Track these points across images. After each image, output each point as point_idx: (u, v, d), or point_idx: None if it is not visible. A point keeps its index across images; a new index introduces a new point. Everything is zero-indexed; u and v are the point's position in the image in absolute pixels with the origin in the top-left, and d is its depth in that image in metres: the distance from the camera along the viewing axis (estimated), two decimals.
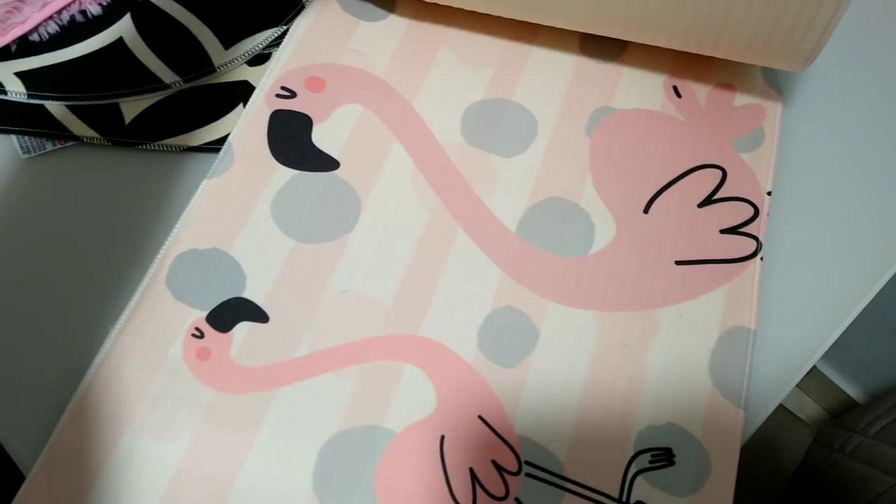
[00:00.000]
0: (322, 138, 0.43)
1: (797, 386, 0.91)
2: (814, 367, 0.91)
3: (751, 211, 0.44)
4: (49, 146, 0.42)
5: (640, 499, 0.36)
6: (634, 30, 0.43)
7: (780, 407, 0.88)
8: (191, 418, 0.35)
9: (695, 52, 0.45)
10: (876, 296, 0.50)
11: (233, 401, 0.36)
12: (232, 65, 0.44)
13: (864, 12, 0.53)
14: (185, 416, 0.35)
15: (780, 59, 0.42)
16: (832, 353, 0.91)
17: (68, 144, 0.42)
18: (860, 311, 0.45)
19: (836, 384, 0.92)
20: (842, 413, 0.89)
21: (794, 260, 0.45)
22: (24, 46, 0.43)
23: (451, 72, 0.47)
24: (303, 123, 0.44)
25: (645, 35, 0.43)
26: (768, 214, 0.45)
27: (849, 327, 0.84)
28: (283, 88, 0.44)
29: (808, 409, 0.91)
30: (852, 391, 0.92)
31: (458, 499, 0.35)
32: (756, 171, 0.45)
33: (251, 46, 0.45)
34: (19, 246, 0.39)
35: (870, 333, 0.86)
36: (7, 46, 0.42)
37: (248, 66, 0.45)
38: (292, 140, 0.43)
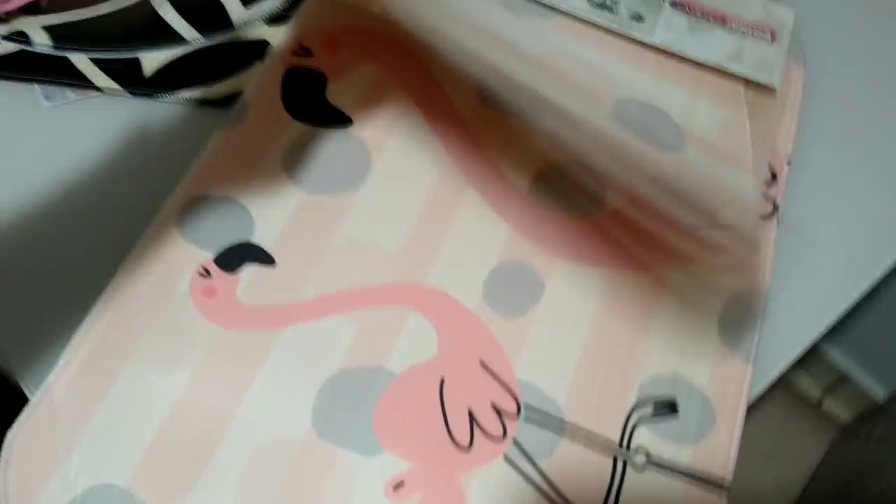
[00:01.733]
0: (336, 95, 0.44)
1: (821, 389, 0.89)
2: (840, 371, 0.88)
3: (769, 174, 0.44)
4: (71, 96, 0.43)
5: (641, 444, 0.36)
6: None
7: (803, 401, 0.86)
8: (194, 352, 0.36)
9: None
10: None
11: (236, 337, 0.36)
12: (251, 23, 0.45)
13: None
14: (188, 349, 0.36)
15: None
16: (858, 353, 0.89)
17: (90, 95, 0.43)
18: (879, 277, 0.44)
19: (863, 388, 0.90)
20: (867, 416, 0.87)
21: (811, 228, 0.44)
22: (54, 2, 0.44)
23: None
24: (317, 80, 0.44)
25: None
26: (787, 182, 0.44)
27: (873, 324, 0.82)
28: (300, 47, 0.45)
29: (833, 410, 0.89)
30: (880, 395, 0.89)
31: (456, 439, 0.35)
32: (776, 136, 0.45)
33: (271, 6, 0.46)
34: (41, 189, 0.41)
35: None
36: (38, 2, 0.44)
37: (266, 26, 0.46)
38: (306, 96, 0.44)
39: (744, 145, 0.44)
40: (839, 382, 0.88)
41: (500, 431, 0.35)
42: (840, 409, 0.87)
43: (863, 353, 0.86)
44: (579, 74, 0.44)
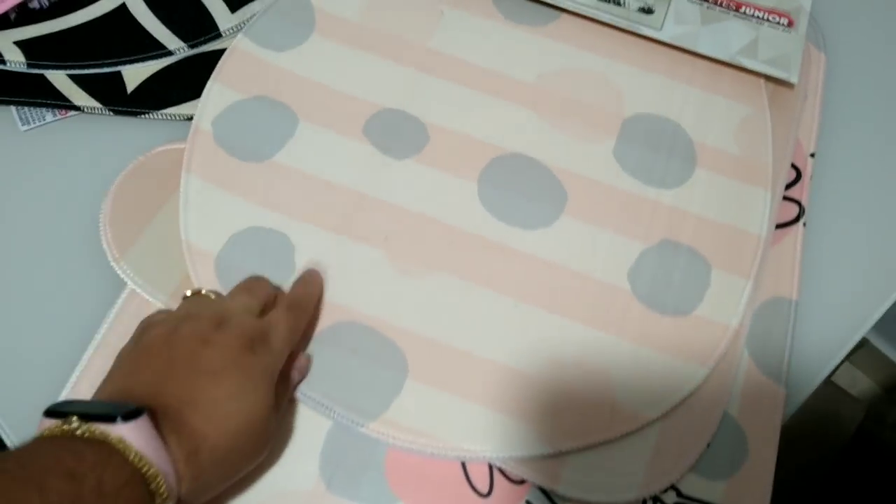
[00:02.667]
0: None
1: (847, 360, 0.87)
2: (864, 341, 0.86)
3: (793, 173, 0.41)
4: (49, 117, 0.40)
5: (670, 483, 0.34)
6: None
7: (829, 381, 0.84)
8: None
9: None
10: None
11: None
12: (239, 28, 0.42)
13: None
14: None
15: None
16: (884, 325, 0.87)
17: (69, 115, 0.41)
18: None
19: (890, 357, 0.88)
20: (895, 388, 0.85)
21: (839, 225, 0.41)
22: (24, 14, 0.41)
23: None
24: None
25: None
26: (811, 178, 0.41)
27: None
28: None
29: (860, 384, 0.87)
30: None
31: (475, 485, 0.33)
32: (797, 128, 0.42)
33: (260, 9, 0.43)
34: (20, 219, 0.38)
35: None
36: (6, 14, 0.41)
37: None
38: None
39: (764, 146, 0.41)
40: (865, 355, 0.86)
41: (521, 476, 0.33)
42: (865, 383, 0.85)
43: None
44: (584, 96, 0.41)
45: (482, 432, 0.33)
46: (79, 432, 0.25)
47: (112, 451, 0.24)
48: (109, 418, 0.25)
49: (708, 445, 0.34)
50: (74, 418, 0.25)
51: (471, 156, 0.39)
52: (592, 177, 0.39)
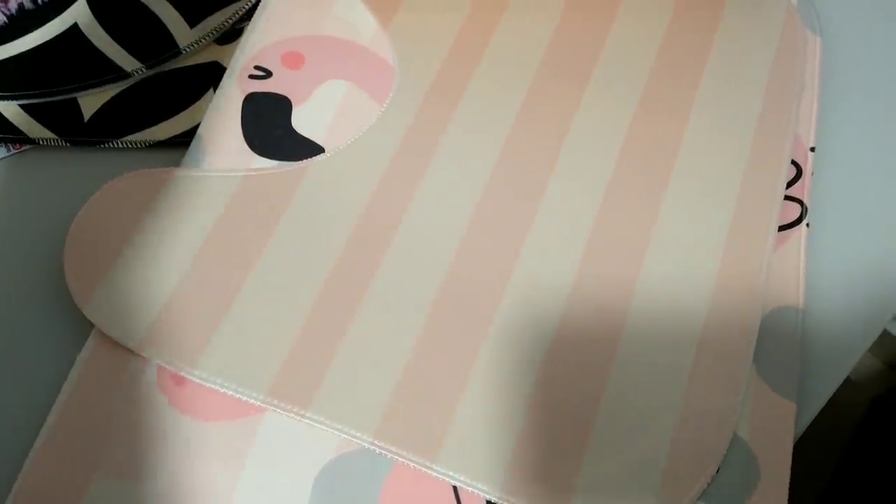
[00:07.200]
0: (303, 122, 0.39)
1: None
2: None
3: (793, 171, 0.39)
4: (2, 152, 0.38)
5: None
6: None
7: None
8: (168, 452, 0.32)
9: None
10: None
11: (213, 430, 0.32)
12: (199, 45, 0.40)
13: None
14: (161, 449, 0.32)
15: None
16: None
17: (23, 149, 0.38)
18: None
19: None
20: None
21: (844, 224, 0.39)
22: None
23: None
24: (281, 106, 0.39)
25: None
26: (812, 174, 0.39)
27: None
28: (256, 68, 0.40)
29: (866, 362, 0.85)
30: None
31: None
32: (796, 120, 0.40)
33: (220, 22, 0.40)
34: None
35: None
36: None
37: (217, 45, 0.41)
38: (270, 126, 0.38)
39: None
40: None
41: None
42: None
43: None
44: None
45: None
46: None
47: None
48: None
49: (717, 471, 0.33)
50: None
51: None
52: None
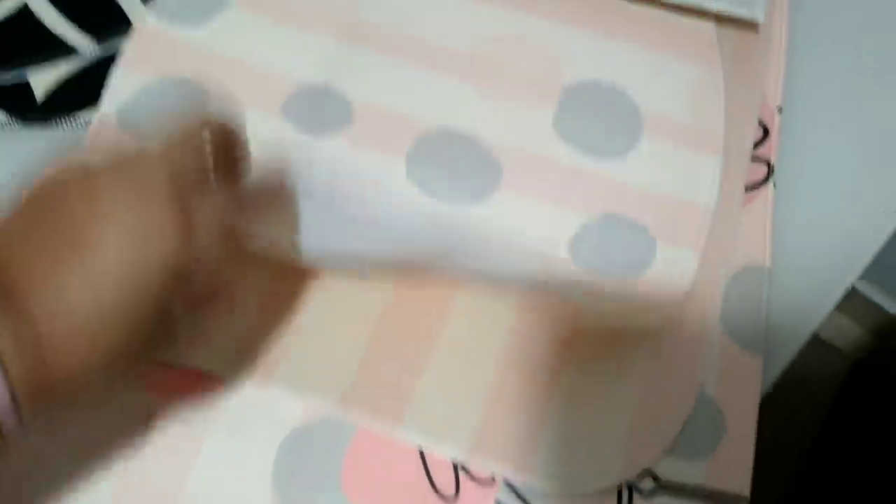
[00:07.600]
0: None
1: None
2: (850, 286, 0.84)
3: (759, 131, 0.39)
4: None
5: (647, 466, 0.32)
6: None
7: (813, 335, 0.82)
8: (132, 423, 0.31)
9: None
10: None
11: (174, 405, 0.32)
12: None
13: None
14: (126, 420, 0.31)
15: None
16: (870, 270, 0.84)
17: None
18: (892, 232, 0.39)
19: (878, 303, 0.85)
20: (886, 333, 0.83)
21: (811, 184, 0.39)
22: None
23: None
24: None
25: None
26: (779, 133, 0.39)
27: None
28: None
29: (847, 331, 0.84)
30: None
31: (440, 488, 0.31)
32: (763, 81, 0.39)
33: None
34: None
35: None
36: None
37: None
38: None
39: (716, 110, 0.38)
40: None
41: (489, 473, 0.31)
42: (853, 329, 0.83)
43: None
44: (521, 64, 0.38)
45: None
46: None
47: None
48: None
49: (684, 426, 0.32)
50: None
51: (398, 132, 0.37)
52: (529, 149, 0.37)
